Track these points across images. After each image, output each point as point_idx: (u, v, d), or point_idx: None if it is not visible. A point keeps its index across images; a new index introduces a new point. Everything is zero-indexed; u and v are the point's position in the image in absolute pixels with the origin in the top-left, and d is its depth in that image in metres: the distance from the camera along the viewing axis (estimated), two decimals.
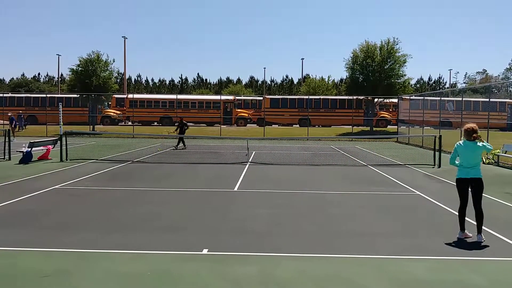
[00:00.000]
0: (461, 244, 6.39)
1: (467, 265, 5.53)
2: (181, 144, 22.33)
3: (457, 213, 7.74)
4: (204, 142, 26.88)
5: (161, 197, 9.76)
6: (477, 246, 6.30)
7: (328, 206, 8.95)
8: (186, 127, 22.95)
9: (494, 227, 7.23)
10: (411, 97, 31.28)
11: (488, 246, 6.32)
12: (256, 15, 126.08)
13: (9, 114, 29.64)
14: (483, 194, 6.49)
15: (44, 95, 44.76)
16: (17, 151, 16.01)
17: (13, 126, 27.61)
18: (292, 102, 45.68)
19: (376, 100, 36.93)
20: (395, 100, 36.90)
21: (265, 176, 13.00)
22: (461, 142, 6.62)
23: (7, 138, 16.46)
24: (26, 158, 15.22)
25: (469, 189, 6.58)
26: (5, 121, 33.14)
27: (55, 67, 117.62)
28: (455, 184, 6.78)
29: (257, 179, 12.41)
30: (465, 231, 6.57)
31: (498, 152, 16.50)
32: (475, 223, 6.58)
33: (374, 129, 37.73)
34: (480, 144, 6.47)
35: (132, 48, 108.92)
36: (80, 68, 33.43)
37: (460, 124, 20.54)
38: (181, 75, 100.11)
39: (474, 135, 6.48)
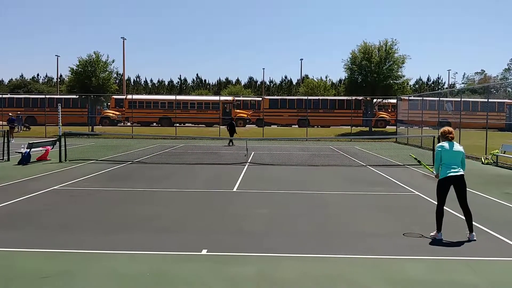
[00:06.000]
0: (460, 244, 6.40)
1: (466, 265, 5.54)
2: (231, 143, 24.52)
3: (455, 213, 7.77)
4: (203, 142, 26.88)
5: (160, 198, 9.76)
6: (475, 246, 6.32)
7: (327, 206, 8.97)
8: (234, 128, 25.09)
9: (492, 227, 7.25)
10: (409, 98, 31.32)
11: (486, 246, 6.34)
12: (255, 16, 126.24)
13: (9, 114, 29.63)
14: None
15: (43, 96, 44.71)
16: (15, 152, 15.99)
17: (13, 126, 27.63)
18: (291, 102, 45.70)
19: (375, 100, 36.98)
20: (394, 101, 36.97)
21: (264, 176, 13.01)
22: (442, 143, 6.74)
23: (5, 139, 16.45)
24: (25, 159, 15.20)
25: (450, 189, 6.66)
26: (3, 122, 33.12)
27: (54, 68, 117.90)
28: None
29: (256, 179, 12.42)
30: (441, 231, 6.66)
31: (497, 152, 16.53)
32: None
33: (373, 129, 37.76)
34: (461, 148, 6.68)
35: (131, 49, 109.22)
36: (79, 69, 33.44)
37: (459, 124, 20.60)
38: (180, 75, 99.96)
39: (449, 135, 6.72)
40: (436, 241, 6.48)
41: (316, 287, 4.83)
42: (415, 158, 8.61)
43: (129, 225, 7.34)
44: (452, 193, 6.64)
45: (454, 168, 6.57)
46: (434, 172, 6.94)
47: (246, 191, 10.59)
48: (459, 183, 6.57)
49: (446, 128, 6.81)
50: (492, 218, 7.92)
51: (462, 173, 6.58)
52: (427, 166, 8.01)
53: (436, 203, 6.77)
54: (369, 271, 5.27)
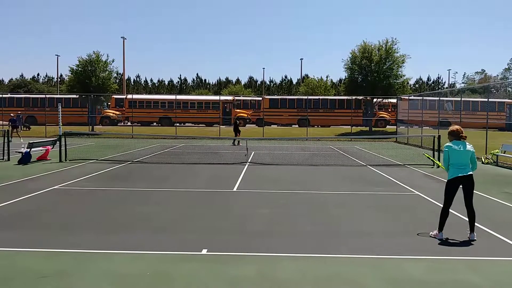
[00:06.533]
0: (460, 244, 6.40)
1: (466, 265, 5.54)
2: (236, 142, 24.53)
3: (456, 213, 7.77)
4: (203, 142, 26.89)
5: (160, 197, 9.76)
6: (476, 246, 6.31)
7: (327, 206, 8.96)
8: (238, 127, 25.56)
9: (492, 226, 7.24)
10: (410, 97, 31.31)
11: (486, 246, 6.33)
12: (255, 16, 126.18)
13: (11, 114, 29.60)
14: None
15: (43, 96, 44.72)
16: (16, 152, 15.99)
17: (15, 126, 27.62)
18: (291, 102, 45.73)
19: (375, 100, 36.97)
20: (394, 100, 36.97)
21: (264, 176, 13.00)
22: (450, 143, 6.65)
23: (6, 139, 16.45)
24: (25, 159, 15.20)
25: (458, 189, 6.61)
26: (4, 121, 33.11)
27: (54, 68, 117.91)
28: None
29: (256, 179, 12.41)
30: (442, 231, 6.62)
31: (497, 152, 16.52)
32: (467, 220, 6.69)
33: (373, 129, 37.77)
34: (470, 147, 6.57)
35: (131, 49, 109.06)
36: (79, 69, 33.44)
37: (459, 124, 20.58)
38: (180, 75, 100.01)
39: (462, 135, 6.62)
40: (436, 241, 6.47)
41: (316, 287, 4.82)
42: (429, 157, 8.64)
43: (129, 225, 7.33)
44: (456, 193, 6.63)
45: (463, 168, 6.50)
46: (448, 171, 6.85)
47: (246, 191, 10.58)
48: (468, 182, 6.53)
49: (459, 128, 6.67)
50: (492, 218, 7.92)
51: (470, 172, 6.53)
52: (442, 166, 7.89)
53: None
54: (369, 271, 5.26)
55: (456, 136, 6.64)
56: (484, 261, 5.71)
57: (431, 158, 8.61)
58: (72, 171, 13.50)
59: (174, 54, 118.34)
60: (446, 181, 6.75)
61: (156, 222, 7.53)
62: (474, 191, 6.65)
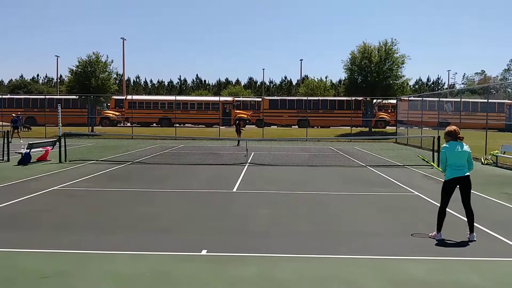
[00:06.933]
0: (460, 244, 6.40)
1: (466, 265, 5.54)
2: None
3: (455, 214, 7.77)
4: (203, 143, 26.89)
5: (160, 198, 9.76)
6: (476, 246, 6.32)
7: (327, 207, 8.97)
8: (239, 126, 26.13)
9: (492, 226, 7.25)
10: (409, 98, 31.33)
11: (486, 246, 6.34)
12: (255, 16, 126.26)
13: (13, 115, 29.57)
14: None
15: (43, 97, 44.71)
16: (15, 153, 15.99)
17: (16, 126, 27.60)
18: (291, 103, 45.73)
19: (374, 101, 36.99)
20: (394, 101, 36.98)
21: (264, 176, 13.01)
22: (447, 144, 6.64)
23: (6, 139, 16.45)
24: (25, 160, 15.21)
25: (455, 190, 6.62)
26: (4, 122, 33.09)
27: (54, 68, 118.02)
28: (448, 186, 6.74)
29: (256, 179, 12.42)
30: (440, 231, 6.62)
31: (497, 153, 16.54)
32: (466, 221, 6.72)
33: (373, 130, 37.77)
34: (466, 148, 6.58)
35: (131, 49, 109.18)
36: (79, 70, 33.45)
37: (459, 124, 20.60)
38: (180, 76, 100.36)
39: (459, 135, 6.63)
40: (436, 242, 6.48)
41: (315, 287, 4.82)
42: (423, 159, 8.63)
43: (129, 225, 7.34)
44: (454, 193, 6.64)
45: (460, 169, 6.50)
46: (443, 172, 6.86)
47: (246, 191, 10.59)
48: (465, 183, 6.54)
49: (456, 128, 6.66)
50: (492, 219, 7.93)
51: (468, 173, 6.54)
52: (437, 167, 7.95)
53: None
54: (370, 272, 5.27)
55: (453, 136, 6.65)
56: (484, 261, 5.72)
57: (426, 159, 8.61)
58: (72, 172, 13.50)
59: (174, 54, 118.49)
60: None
61: (156, 223, 7.54)
62: (473, 192, 6.66)
